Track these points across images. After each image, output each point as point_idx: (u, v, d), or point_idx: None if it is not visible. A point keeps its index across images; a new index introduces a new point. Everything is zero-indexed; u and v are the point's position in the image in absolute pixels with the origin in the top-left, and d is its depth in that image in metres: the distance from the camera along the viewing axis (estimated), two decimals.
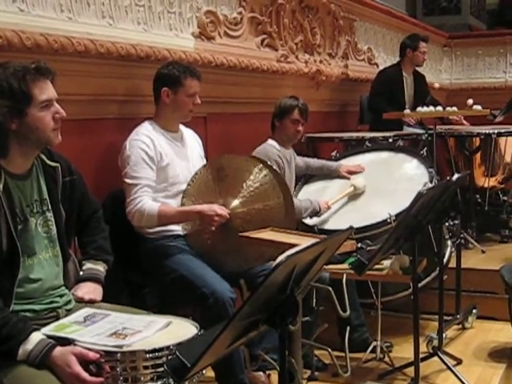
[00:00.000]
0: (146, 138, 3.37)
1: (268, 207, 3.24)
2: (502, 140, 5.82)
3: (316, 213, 4.21)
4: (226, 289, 3.15)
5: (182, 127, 3.60)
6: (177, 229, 3.42)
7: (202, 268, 3.28)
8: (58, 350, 2.17)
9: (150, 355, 2.18)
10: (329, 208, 4.27)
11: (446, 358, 3.86)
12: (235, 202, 3.26)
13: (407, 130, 6.10)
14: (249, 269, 3.36)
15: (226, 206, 3.24)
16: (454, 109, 5.71)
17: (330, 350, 3.78)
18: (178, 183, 3.43)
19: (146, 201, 3.27)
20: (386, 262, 3.69)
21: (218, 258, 3.31)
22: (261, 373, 3.63)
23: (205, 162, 3.65)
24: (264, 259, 3.22)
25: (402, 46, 6.46)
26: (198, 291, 3.13)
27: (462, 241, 5.01)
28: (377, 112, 5.91)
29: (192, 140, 3.65)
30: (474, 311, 4.77)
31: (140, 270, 3.45)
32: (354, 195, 4.46)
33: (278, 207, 3.25)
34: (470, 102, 5.81)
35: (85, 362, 2.13)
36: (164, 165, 3.39)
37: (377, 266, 3.61)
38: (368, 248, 3.47)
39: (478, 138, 5.82)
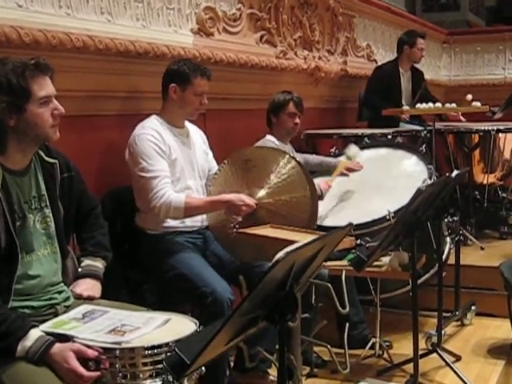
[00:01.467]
0: (153, 132, 3.35)
1: (294, 199, 3.23)
2: (501, 137, 5.82)
3: (319, 196, 4.19)
4: (226, 289, 3.15)
5: (187, 123, 3.59)
6: (179, 225, 3.41)
7: (203, 267, 3.27)
8: (57, 346, 2.17)
9: (149, 352, 2.18)
10: (330, 187, 4.26)
11: (444, 355, 3.86)
12: (261, 193, 3.24)
13: (403, 126, 6.09)
14: (249, 266, 3.36)
15: (252, 196, 3.22)
16: (453, 105, 5.71)
17: (329, 346, 3.79)
18: (182, 179, 3.42)
19: (171, 193, 3.25)
20: (385, 259, 3.69)
21: (239, 249, 3.27)
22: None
23: (209, 157, 3.66)
24: None
25: (399, 43, 6.44)
26: (198, 290, 3.13)
27: (461, 237, 5.03)
28: (374, 109, 5.91)
29: (197, 136, 3.64)
30: (472, 308, 4.77)
31: (139, 266, 3.44)
32: (353, 191, 4.46)
33: (305, 199, 3.24)
34: (470, 97, 5.80)
35: (83, 359, 2.13)
36: (172, 159, 3.37)
37: (376, 263, 3.61)
38: (367, 245, 3.47)
39: (477, 135, 5.83)
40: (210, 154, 3.69)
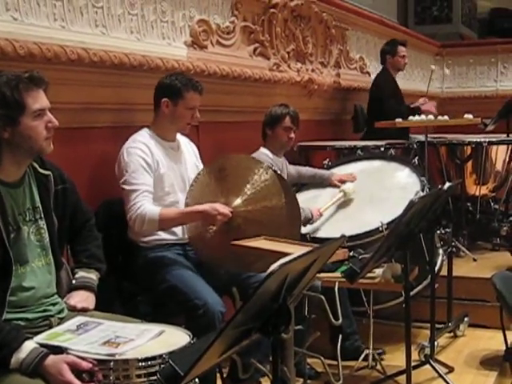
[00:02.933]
0: (143, 146, 3.36)
1: (270, 207, 3.21)
2: (493, 149, 5.85)
3: (308, 220, 4.21)
4: (218, 302, 3.15)
5: (178, 135, 3.60)
6: (170, 238, 3.42)
7: (195, 279, 3.28)
8: (51, 358, 2.17)
9: (143, 364, 2.18)
10: (321, 215, 4.28)
11: (437, 366, 3.87)
12: (237, 201, 3.23)
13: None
14: (242, 277, 3.37)
15: (228, 204, 3.21)
16: (446, 118, 5.74)
17: (322, 358, 3.78)
18: (172, 193, 3.43)
19: (147, 205, 3.25)
20: (378, 271, 3.69)
21: (220, 259, 3.28)
22: None
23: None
24: (264, 264, 3.22)
25: (381, 54, 6.51)
26: (190, 302, 3.13)
27: (454, 249, 5.04)
28: (395, 116, 5.86)
29: (188, 149, 3.65)
30: (465, 319, 4.78)
31: (133, 278, 3.44)
32: (346, 202, 4.48)
33: (280, 208, 3.22)
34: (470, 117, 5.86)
35: (78, 371, 2.13)
36: (161, 173, 3.38)
37: (369, 275, 3.61)
38: (360, 256, 3.48)
39: (469, 147, 5.85)
40: (201, 166, 3.68)
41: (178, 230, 3.44)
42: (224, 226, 3.20)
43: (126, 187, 3.29)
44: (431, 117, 5.58)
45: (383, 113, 5.90)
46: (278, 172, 4.19)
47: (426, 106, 6.26)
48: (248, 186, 3.25)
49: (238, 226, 3.20)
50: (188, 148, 3.66)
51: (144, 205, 3.24)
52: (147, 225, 3.25)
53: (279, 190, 3.23)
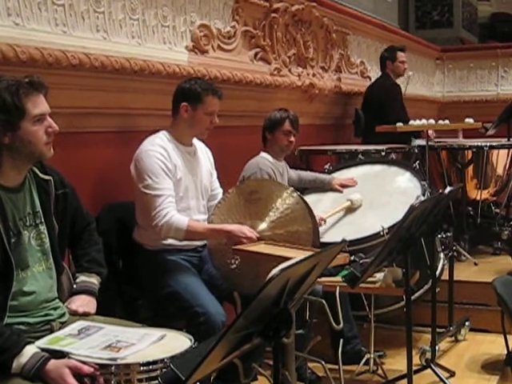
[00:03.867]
0: (161, 149, 3.34)
1: (295, 233, 3.19)
2: (494, 153, 5.85)
3: None
4: (219, 312, 3.15)
5: (195, 140, 3.58)
6: (177, 243, 3.41)
7: (198, 287, 3.27)
8: (52, 363, 2.17)
9: (145, 368, 2.18)
10: (324, 222, 4.27)
11: (438, 371, 3.87)
12: (263, 225, 3.22)
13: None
14: None
15: (254, 228, 3.20)
16: (447, 122, 5.74)
17: (323, 362, 3.78)
18: (185, 198, 3.42)
19: (174, 213, 3.24)
20: (379, 275, 3.69)
21: (236, 278, 3.25)
22: None
23: (213, 178, 3.66)
24: None
25: (381, 60, 6.53)
26: (192, 309, 3.13)
27: (455, 253, 5.03)
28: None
29: (204, 155, 3.63)
30: (466, 323, 4.78)
31: (134, 282, 3.45)
32: (347, 208, 4.47)
33: (306, 233, 3.20)
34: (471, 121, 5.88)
35: (79, 375, 2.13)
36: (177, 178, 3.37)
37: (370, 279, 3.61)
38: (361, 261, 3.48)
39: (470, 151, 5.85)
40: (215, 174, 3.69)
41: None
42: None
43: (150, 192, 3.26)
44: (432, 121, 5.57)
45: (385, 119, 5.93)
46: (275, 177, 4.21)
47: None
48: (273, 210, 3.24)
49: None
50: (204, 154, 3.64)
51: (171, 212, 3.23)
52: (173, 233, 3.26)
53: (305, 214, 3.23)
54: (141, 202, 3.36)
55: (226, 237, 3.22)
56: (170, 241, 3.39)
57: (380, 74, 6.61)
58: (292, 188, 3.35)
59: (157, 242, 3.38)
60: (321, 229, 4.28)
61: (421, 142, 5.97)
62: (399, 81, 6.54)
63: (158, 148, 3.34)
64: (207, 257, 3.51)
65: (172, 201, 3.28)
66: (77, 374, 2.13)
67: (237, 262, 3.19)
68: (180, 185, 3.38)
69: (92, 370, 2.14)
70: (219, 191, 3.66)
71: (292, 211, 3.23)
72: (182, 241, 3.35)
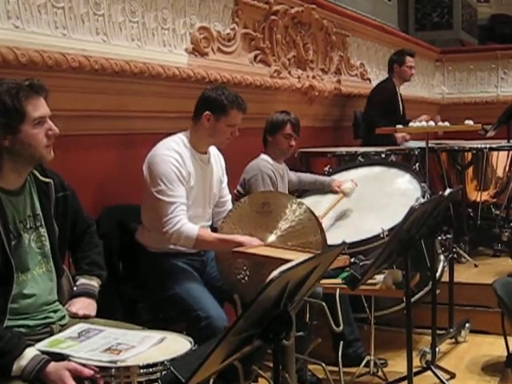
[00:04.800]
0: (177, 155, 3.31)
1: (304, 245, 3.16)
2: (493, 154, 5.85)
3: None
4: (221, 316, 3.15)
5: (210, 148, 3.56)
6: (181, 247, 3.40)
7: (201, 291, 3.27)
8: (53, 365, 2.17)
9: (145, 370, 2.18)
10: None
11: (439, 372, 3.88)
12: (272, 238, 3.19)
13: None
14: None
15: (263, 240, 3.17)
16: (446, 124, 5.74)
17: (323, 364, 3.78)
18: (194, 206, 3.40)
19: (184, 222, 3.22)
20: (379, 277, 3.69)
21: (243, 289, 3.22)
22: None
23: (223, 185, 3.64)
24: None
25: (389, 63, 6.52)
26: (194, 313, 3.13)
27: (455, 255, 5.04)
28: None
29: (216, 162, 3.61)
30: (466, 325, 4.78)
31: (134, 284, 3.45)
32: (346, 209, 4.47)
33: (314, 245, 3.18)
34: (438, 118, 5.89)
35: (79, 378, 2.13)
36: (190, 186, 3.35)
37: (370, 281, 3.61)
38: (361, 263, 3.48)
39: (470, 153, 5.86)
40: (225, 181, 3.67)
41: None
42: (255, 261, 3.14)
43: (163, 198, 3.24)
44: (432, 123, 5.58)
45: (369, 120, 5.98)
46: (275, 179, 4.20)
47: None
48: (283, 222, 3.22)
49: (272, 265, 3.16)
50: (217, 161, 3.62)
51: (182, 220, 3.22)
52: (183, 241, 3.24)
53: (314, 225, 3.21)
54: (150, 205, 3.34)
55: (236, 247, 3.16)
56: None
57: (381, 76, 6.62)
58: (300, 200, 3.33)
59: (160, 244, 3.37)
60: None
61: (420, 144, 5.98)
62: (404, 85, 6.56)
63: (173, 153, 3.31)
64: (209, 260, 3.51)
65: (184, 209, 3.26)
66: (77, 376, 2.13)
67: (245, 272, 3.18)
68: (191, 193, 3.37)
69: (92, 372, 2.14)
70: (227, 198, 3.66)
71: (301, 223, 3.20)
72: (191, 249, 3.34)
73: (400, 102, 6.43)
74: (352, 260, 3.62)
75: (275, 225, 3.22)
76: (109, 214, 3.48)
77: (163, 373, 2.18)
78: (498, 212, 6.34)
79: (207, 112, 3.39)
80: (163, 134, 3.54)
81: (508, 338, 4.04)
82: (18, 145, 2.37)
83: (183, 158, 3.34)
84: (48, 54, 3.08)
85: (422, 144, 5.75)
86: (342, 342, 3.95)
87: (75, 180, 2.89)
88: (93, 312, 2.65)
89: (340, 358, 3.87)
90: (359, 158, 5.21)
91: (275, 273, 1.83)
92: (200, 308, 3.14)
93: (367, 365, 4.01)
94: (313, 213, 3.27)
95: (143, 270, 3.41)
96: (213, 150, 3.61)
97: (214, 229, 3.53)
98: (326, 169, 5.04)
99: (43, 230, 2.54)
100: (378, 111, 6.09)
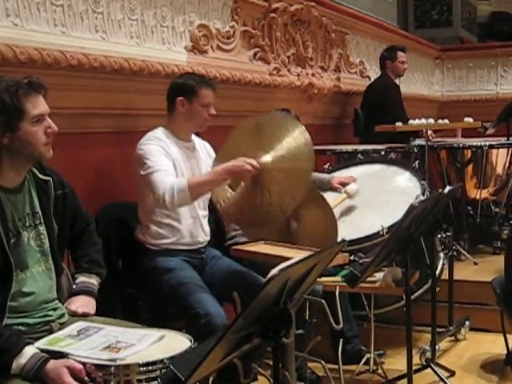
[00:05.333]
0: (158, 141, 3.34)
1: (297, 170, 3.19)
2: (493, 152, 5.85)
3: None
4: (220, 314, 3.14)
5: (194, 137, 3.58)
6: (179, 241, 3.41)
7: (200, 288, 3.26)
8: (52, 363, 2.17)
9: (144, 368, 2.18)
10: None
11: (439, 370, 3.88)
12: (266, 158, 3.18)
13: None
14: (243, 282, 3.37)
15: (257, 158, 3.16)
16: (446, 121, 5.74)
17: (323, 362, 3.78)
18: None
19: (172, 179, 3.19)
20: (379, 275, 3.69)
21: (250, 220, 3.25)
22: None
23: None
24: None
25: (381, 59, 6.54)
26: (193, 310, 3.12)
27: (455, 253, 5.03)
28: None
29: (202, 149, 3.63)
30: (466, 323, 4.78)
31: (134, 282, 3.45)
32: (347, 208, 4.47)
33: (308, 172, 3.25)
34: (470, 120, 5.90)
35: (78, 376, 2.13)
36: (176, 171, 3.35)
37: (369, 279, 3.61)
38: (361, 260, 3.48)
39: (469, 151, 5.85)
40: None
41: (187, 234, 3.42)
42: (250, 183, 3.15)
43: (149, 171, 3.21)
44: (431, 120, 5.58)
45: (384, 118, 5.93)
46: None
47: None
48: (280, 143, 3.21)
49: (263, 181, 3.15)
50: (203, 149, 3.64)
51: (169, 180, 3.17)
52: (178, 196, 3.14)
53: (310, 153, 3.21)
54: (144, 193, 3.32)
55: (228, 174, 3.16)
56: (171, 239, 3.39)
57: (379, 73, 6.61)
58: (304, 128, 3.31)
59: (158, 241, 3.38)
60: None
61: (420, 141, 5.98)
62: (404, 83, 6.56)
63: (155, 140, 3.34)
64: (209, 258, 3.51)
65: (170, 174, 3.23)
66: (76, 375, 2.13)
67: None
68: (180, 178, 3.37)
69: (89, 373, 2.14)
70: None
71: (298, 148, 3.21)
72: (193, 201, 3.26)
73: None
74: (351, 258, 3.62)
75: (273, 145, 3.21)
76: (108, 213, 3.47)
77: (163, 371, 2.18)
78: (497, 210, 6.33)
79: (180, 98, 3.42)
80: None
81: (507, 335, 4.04)
82: (17, 142, 2.37)
83: (166, 143, 3.37)
84: (47, 52, 3.07)
85: (422, 142, 5.75)
86: (341, 340, 3.95)
87: (74, 178, 2.88)
88: (92, 310, 2.65)
89: (340, 356, 3.87)
90: (359, 155, 5.21)
91: (275, 270, 1.82)
92: (199, 306, 3.14)
93: (367, 362, 4.02)
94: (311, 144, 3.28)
95: (143, 268, 3.41)
96: (198, 140, 3.63)
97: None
98: (326, 166, 5.04)
99: (42, 228, 2.54)
100: (393, 106, 6.08)
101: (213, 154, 3.65)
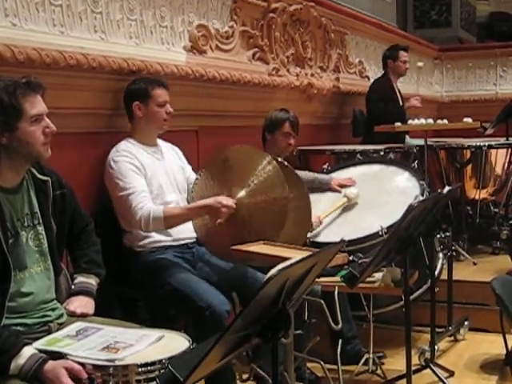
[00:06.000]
0: (124, 152, 3.39)
1: (274, 198, 3.23)
2: (492, 152, 5.85)
3: None
4: (222, 301, 3.15)
5: (160, 141, 3.62)
6: (166, 239, 3.42)
7: (196, 281, 3.27)
8: (50, 364, 2.17)
9: (143, 369, 2.18)
10: (320, 223, 4.26)
11: (438, 370, 3.88)
12: (241, 193, 3.24)
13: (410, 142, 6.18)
14: (242, 282, 3.37)
15: (233, 196, 3.22)
16: (445, 121, 5.74)
17: (322, 362, 3.78)
18: (161, 194, 3.43)
19: (150, 205, 3.25)
20: (378, 275, 3.69)
21: (228, 253, 3.25)
22: None
23: (187, 173, 3.67)
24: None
25: (383, 58, 6.54)
26: (195, 305, 3.12)
27: (454, 253, 5.03)
28: (384, 118, 5.88)
29: (170, 152, 3.67)
30: (465, 323, 4.78)
31: (132, 283, 3.44)
32: (346, 208, 4.47)
33: (284, 198, 3.24)
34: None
35: (77, 377, 2.12)
36: (148, 177, 3.39)
37: (369, 279, 3.61)
38: (360, 261, 3.47)
39: (468, 151, 5.85)
40: (188, 168, 3.71)
41: (173, 230, 3.43)
42: (229, 218, 3.19)
43: (123, 193, 3.29)
44: (430, 120, 5.58)
45: (374, 116, 5.95)
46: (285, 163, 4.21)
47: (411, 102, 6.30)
48: (252, 177, 3.26)
49: (243, 217, 3.20)
50: (171, 151, 3.68)
51: (146, 204, 3.24)
52: (153, 224, 3.24)
53: (282, 181, 3.24)
54: (119, 207, 3.38)
55: (205, 212, 3.25)
56: (157, 237, 3.41)
57: (380, 74, 6.62)
58: (271, 156, 3.36)
59: (145, 241, 3.40)
60: (320, 228, 4.30)
61: (419, 141, 5.98)
62: (399, 79, 6.56)
63: (122, 152, 3.39)
64: (200, 252, 3.51)
65: (145, 195, 3.29)
66: (75, 377, 2.13)
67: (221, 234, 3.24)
68: (152, 183, 3.40)
69: (86, 376, 2.13)
70: None
71: (269, 177, 3.26)
72: (167, 229, 3.35)
73: (399, 96, 6.43)
74: (351, 258, 3.61)
75: (244, 180, 3.26)
76: (105, 214, 3.47)
77: (161, 371, 2.17)
78: (496, 210, 6.34)
79: (136, 102, 3.47)
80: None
81: (507, 336, 4.04)
82: (15, 142, 2.37)
83: (132, 152, 3.40)
84: (46, 52, 3.07)
85: (421, 142, 5.75)
86: (340, 340, 3.94)
87: (73, 178, 2.88)
88: (91, 310, 2.65)
89: (339, 356, 3.86)
90: (358, 155, 5.20)
91: (274, 271, 1.82)
92: (200, 298, 3.13)
93: (366, 363, 4.01)
94: (287, 168, 3.38)
95: (135, 271, 3.40)
96: (164, 143, 3.66)
97: None
98: (325, 167, 5.04)
99: (41, 228, 2.54)
100: (385, 105, 6.08)
101: (182, 156, 3.72)
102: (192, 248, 3.53)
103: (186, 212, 3.30)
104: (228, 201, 3.17)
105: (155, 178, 3.43)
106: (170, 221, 3.26)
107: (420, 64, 6.74)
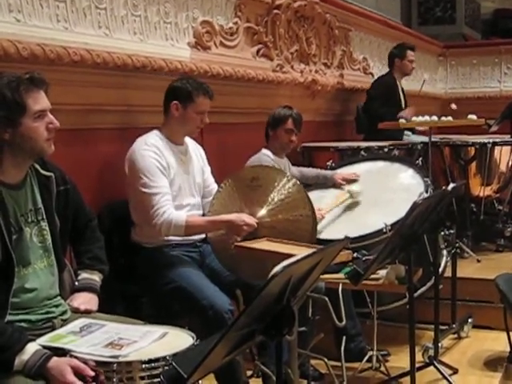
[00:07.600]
0: (155, 148, 3.36)
1: (295, 217, 3.21)
2: (497, 149, 5.83)
3: None
4: (225, 301, 3.15)
5: (186, 139, 3.60)
6: (174, 238, 3.41)
7: (201, 280, 3.27)
8: (54, 360, 2.17)
9: (147, 366, 2.17)
10: (322, 217, 4.26)
11: (441, 368, 3.86)
12: (262, 212, 3.22)
13: (409, 138, 6.16)
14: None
15: (253, 215, 3.21)
16: (449, 118, 5.73)
17: (326, 359, 3.77)
18: (179, 196, 3.42)
19: (172, 211, 3.26)
20: (382, 272, 3.68)
21: (239, 267, 3.25)
22: None
23: (206, 175, 3.66)
24: None
25: (390, 57, 6.52)
26: (198, 303, 3.13)
27: (458, 250, 5.01)
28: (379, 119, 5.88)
29: (196, 153, 3.65)
30: (469, 320, 4.77)
31: (136, 279, 3.44)
32: (350, 205, 4.46)
33: (305, 217, 3.22)
34: (454, 106, 5.88)
35: (81, 374, 2.12)
36: (171, 177, 3.38)
37: (372, 276, 3.60)
38: (364, 258, 3.47)
39: (473, 148, 5.84)
40: (208, 170, 3.69)
41: None
42: (248, 237, 3.16)
43: (147, 190, 3.28)
44: (435, 117, 5.57)
45: (369, 113, 6.00)
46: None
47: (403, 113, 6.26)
48: (272, 195, 3.24)
49: (263, 237, 3.17)
50: (196, 151, 3.66)
51: (168, 210, 3.25)
52: (173, 230, 3.27)
53: (304, 200, 3.23)
54: (137, 201, 3.37)
55: (226, 227, 3.23)
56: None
57: (384, 70, 6.61)
58: (289, 174, 3.36)
59: (155, 238, 3.39)
60: (324, 225, 4.29)
61: (422, 138, 5.97)
62: (405, 79, 6.55)
63: (151, 147, 3.36)
64: (208, 251, 3.51)
65: (169, 199, 3.30)
66: (79, 374, 2.12)
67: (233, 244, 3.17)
68: (173, 184, 3.40)
69: (93, 374, 2.13)
70: (214, 187, 3.66)
71: (292, 197, 3.23)
72: (183, 236, 3.36)
73: (401, 95, 6.43)
74: (355, 255, 3.60)
75: (265, 199, 3.24)
76: (110, 210, 3.47)
77: (165, 368, 2.17)
78: (501, 207, 6.32)
79: (175, 101, 3.44)
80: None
81: (511, 333, 4.02)
82: (18, 138, 2.36)
83: (160, 150, 3.38)
84: (50, 48, 3.07)
85: (425, 139, 5.74)
86: (344, 337, 3.94)
87: (76, 174, 2.88)
88: (94, 307, 2.65)
89: (342, 353, 3.86)
90: (362, 152, 5.20)
91: (278, 267, 1.81)
92: (203, 297, 3.14)
93: (370, 360, 4.01)
94: (304, 188, 3.31)
95: (142, 266, 3.41)
96: (190, 141, 3.64)
97: None
98: (329, 163, 5.02)
99: (45, 224, 2.53)
100: (381, 104, 6.07)
101: (205, 158, 3.71)
102: (200, 247, 3.53)
103: (207, 224, 3.33)
104: (250, 219, 3.16)
105: (176, 179, 3.42)
106: (190, 230, 3.30)
107: (426, 76, 6.69)
